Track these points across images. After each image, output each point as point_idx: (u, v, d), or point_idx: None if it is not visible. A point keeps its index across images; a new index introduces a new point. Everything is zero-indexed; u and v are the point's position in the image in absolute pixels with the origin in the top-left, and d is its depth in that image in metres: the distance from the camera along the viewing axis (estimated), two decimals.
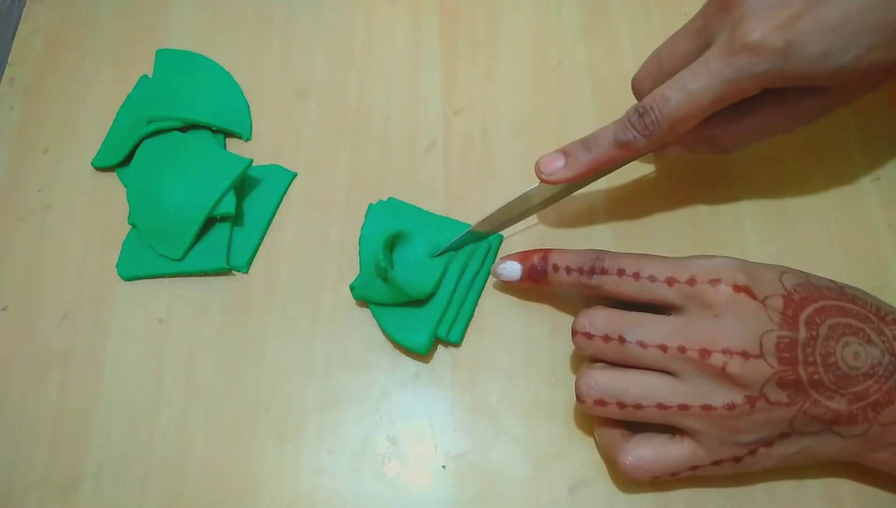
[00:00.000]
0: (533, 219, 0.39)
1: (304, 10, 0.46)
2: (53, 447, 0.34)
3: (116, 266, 0.38)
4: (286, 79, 0.43)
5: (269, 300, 0.37)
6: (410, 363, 0.36)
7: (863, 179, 0.40)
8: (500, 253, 0.38)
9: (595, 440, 0.33)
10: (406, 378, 0.36)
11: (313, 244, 0.39)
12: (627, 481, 0.33)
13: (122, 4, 0.46)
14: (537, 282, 0.35)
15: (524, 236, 0.38)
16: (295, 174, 0.41)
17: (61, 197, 0.40)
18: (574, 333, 0.32)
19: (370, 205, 0.39)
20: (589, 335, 0.31)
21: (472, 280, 0.37)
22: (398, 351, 0.36)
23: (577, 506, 0.33)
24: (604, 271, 0.32)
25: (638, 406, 0.30)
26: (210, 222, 0.38)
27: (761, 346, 0.29)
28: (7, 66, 0.44)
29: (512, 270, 0.35)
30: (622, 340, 0.30)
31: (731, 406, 0.29)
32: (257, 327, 0.37)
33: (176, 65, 0.43)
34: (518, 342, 0.36)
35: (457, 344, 0.36)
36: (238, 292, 0.38)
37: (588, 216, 0.39)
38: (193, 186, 0.38)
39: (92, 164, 0.41)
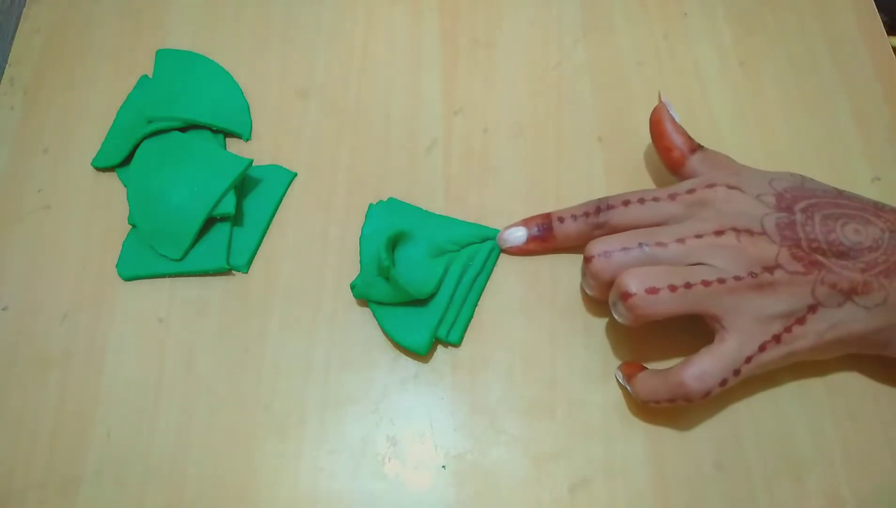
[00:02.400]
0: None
1: (304, 10, 0.46)
2: (53, 447, 0.34)
3: (116, 266, 0.38)
4: (286, 79, 0.43)
5: (269, 300, 0.37)
6: (410, 363, 0.36)
7: (863, 180, 0.40)
8: (503, 255, 0.38)
9: (635, 394, 0.33)
10: (406, 378, 0.36)
11: (313, 244, 0.39)
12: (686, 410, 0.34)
13: (122, 4, 0.46)
14: (544, 240, 0.37)
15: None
16: (295, 174, 0.41)
17: (61, 197, 0.40)
18: (589, 259, 0.33)
19: (370, 205, 0.39)
20: (607, 254, 0.32)
21: (472, 281, 0.37)
22: (398, 351, 0.36)
23: (577, 506, 0.33)
24: (610, 207, 0.35)
25: (687, 285, 0.31)
26: (210, 222, 0.38)
27: (763, 226, 0.31)
28: (7, 66, 0.44)
29: (516, 235, 0.38)
30: (641, 246, 0.32)
31: (753, 275, 0.31)
32: (257, 327, 0.37)
33: (176, 65, 0.43)
34: (518, 342, 0.36)
35: (456, 345, 0.36)
36: (238, 292, 0.38)
37: None
38: (193, 186, 0.38)
39: (92, 164, 0.41)
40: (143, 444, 0.34)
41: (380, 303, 0.36)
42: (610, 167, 0.40)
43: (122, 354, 0.36)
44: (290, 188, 0.40)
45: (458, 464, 0.34)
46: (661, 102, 0.37)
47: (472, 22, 0.45)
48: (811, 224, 0.31)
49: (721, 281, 0.31)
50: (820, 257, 0.31)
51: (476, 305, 0.37)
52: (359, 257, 0.38)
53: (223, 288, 0.38)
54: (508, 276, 0.38)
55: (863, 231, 0.31)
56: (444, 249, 0.37)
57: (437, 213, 0.39)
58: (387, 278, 0.35)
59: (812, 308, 0.31)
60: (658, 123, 0.37)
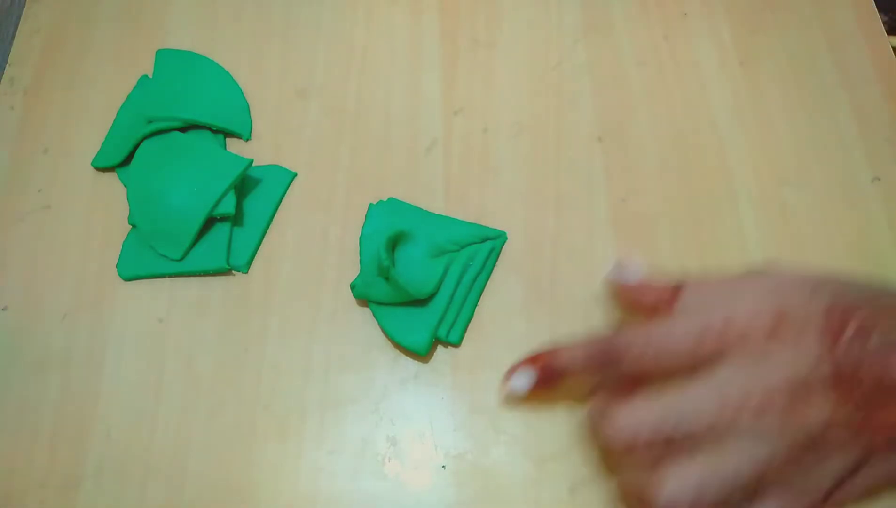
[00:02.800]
0: (538, 219, 0.39)
1: (304, 10, 0.46)
2: (53, 447, 0.34)
3: (116, 266, 0.38)
4: (286, 79, 0.43)
5: (269, 300, 0.37)
6: (410, 363, 0.36)
7: (863, 179, 0.40)
8: (503, 253, 0.38)
9: None
10: (406, 378, 0.36)
11: (313, 244, 0.39)
12: None
13: (122, 4, 0.46)
14: (553, 385, 0.32)
15: (529, 234, 0.38)
16: (295, 174, 0.41)
17: (61, 197, 0.40)
18: (599, 425, 0.29)
19: (370, 205, 0.39)
20: (621, 429, 0.28)
21: (472, 281, 0.37)
22: (398, 351, 0.36)
23: (577, 506, 0.33)
24: (619, 357, 0.30)
25: (721, 483, 0.27)
26: (210, 222, 0.38)
27: (811, 385, 0.27)
28: (7, 66, 0.44)
29: (523, 385, 0.32)
30: (663, 422, 0.28)
31: (802, 446, 0.27)
32: (257, 327, 0.37)
33: (176, 65, 0.43)
34: (518, 342, 0.36)
35: (456, 345, 0.36)
36: (238, 292, 0.38)
37: (589, 215, 0.39)
38: (193, 186, 0.38)
39: (92, 164, 0.41)
40: (143, 444, 0.34)
41: (380, 303, 0.36)
42: (610, 167, 0.40)
43: (122, 354, 0.36)
44: (290, 188, 0.40)
45: (458, 464, 0.34)
46: (612, 271, 0.33)
47: (472, 22, 0.45)
48: (868, 358, 0.27)
49: (760, 465, 0.27)
50: (876, 405, 0.27)
51: (476, 305, 0.37)
52: (359, 257, 0.38)
53: (223, 288, 0.38)
54: (508, 276, 0.38)
55: None
56: (444, 249, 0.37)
57: (437, 213, 0.39)
58: (387, 278, 0.35)
59: (866, 460, 0.28)
60: (622, 293, 0.33)
